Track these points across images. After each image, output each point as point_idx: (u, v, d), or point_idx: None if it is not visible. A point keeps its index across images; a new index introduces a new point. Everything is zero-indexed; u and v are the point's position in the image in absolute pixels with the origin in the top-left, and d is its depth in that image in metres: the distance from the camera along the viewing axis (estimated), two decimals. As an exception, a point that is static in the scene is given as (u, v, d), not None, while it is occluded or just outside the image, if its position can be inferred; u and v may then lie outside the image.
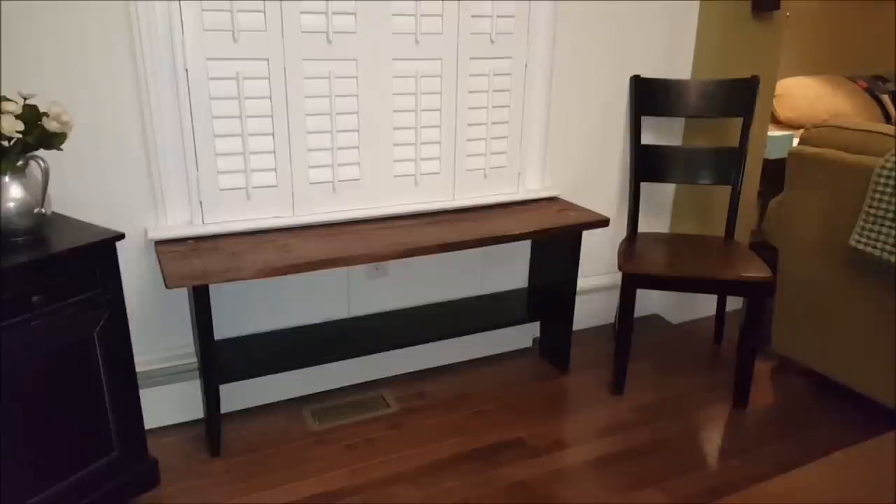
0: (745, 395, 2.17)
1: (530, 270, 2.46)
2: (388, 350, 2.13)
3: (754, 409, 2.18)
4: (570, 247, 2.23)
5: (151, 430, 1.83)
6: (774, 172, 2.64)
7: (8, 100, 1.38)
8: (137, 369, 1.63)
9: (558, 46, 2.24)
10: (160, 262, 1.74)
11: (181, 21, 1.73)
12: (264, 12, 1.80)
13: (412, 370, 2.34)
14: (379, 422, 2.08)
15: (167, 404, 1.99)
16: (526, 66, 2.20)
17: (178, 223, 1.88)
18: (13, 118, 1.36)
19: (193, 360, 2.00)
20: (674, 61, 2.47)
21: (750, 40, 2.46)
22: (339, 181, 2.04)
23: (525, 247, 2.42)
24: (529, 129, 2.29)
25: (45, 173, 1.43)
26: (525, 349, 2.52)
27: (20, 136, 1.38)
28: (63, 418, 1.48)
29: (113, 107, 1.73)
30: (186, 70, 1.76)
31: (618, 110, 2.44)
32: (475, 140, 2.20)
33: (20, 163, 1.43)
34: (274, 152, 1.93)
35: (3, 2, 1.54)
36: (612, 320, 2.71)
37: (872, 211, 1.91)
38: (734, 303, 2.69)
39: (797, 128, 3.21)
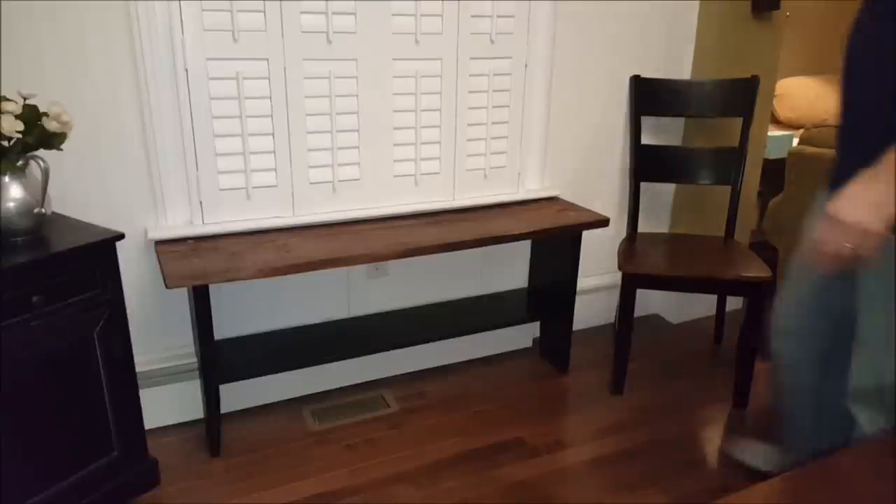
0: (745, 395, 2.17)
1: (530, 270, 2.46)
2: (388, 350, 2.13)
3: (754, 409, 2.18)
4: (570, 247, 2.23)
5: (151, 430, 1.83)
6: (774, 172, 2.64)
7: (8, 100, 1.38)
8: (137, 369, 1.63)
9: (558, 46, 2.24)
10: (160, 262, 1.74)
11: (181, 21, 1.73)
12: (264, 12, 1.80)
13: (412, 370, 2.34)
14: (379, 422, 2.08)
15: (167, 404, 1.98)
16: (526, 66, 2.19)
17: (178, 223, 1.88)
18: (13, 118, 1.36)
19: (193, 360, 2.00)
20: (674, 61, 2.47)
21: (750, 40, 2.46)
22: (339, 181, 2.04)
23: (525, 247, 2.42)
24: (529, 129, 2.29)
25: (45, 173, 1.43)
26: (525, 349, 2.52)
27: (20, 136, 1.38)
28: (63, 418, 1.48)
29: (113, 107, 1.73)
30: (186, 70, 1.76)
31: (618, 110, 2.44)
32: (475, 140, 2.20)
33: (20, 163, 1.43)
34: (274, 152, 1.93)
35: (3, 2, 1.54)
36: (612, 320, 2.71)
37: (872, 211, 1.90)
38: (734, 303, 2.69)
39: (797, 128, 3.21)
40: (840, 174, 1.20)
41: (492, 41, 2.11)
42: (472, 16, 2.06)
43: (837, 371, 1.39)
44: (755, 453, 1.84)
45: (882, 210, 0.97)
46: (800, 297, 1.45)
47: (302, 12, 1.84)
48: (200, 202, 1.89)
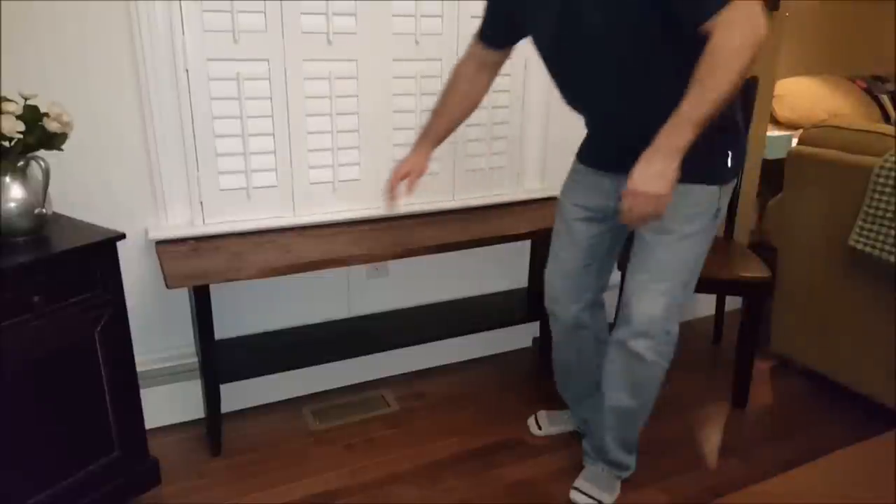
0: (745, 395, 2.18)
1: (530, 270, 2.46)
2: (388, 350, 2.14)
3: (753, 409, 2.18)
4: (569, 247, 2.22)
5: (152, 430, 1.83)
6: (773, 173, 2.64)
7: (8, 100, 1.39)
8: (138, 369, 1.63)
9: (558, 47, 2.23)
10: (161, 263, 1.74)
11: (182, 21, 1.73)
12: (264, 13, 1.80)
13: (412, 370, 2.34)
14: (379, 422, 2.08)
15: (167, 404, 1.99)
16: (525, 66, 2.20)
17: (178, 223, 1.89)
18: (14, 118, 1.37)
19: (194, 359, 2.01)
20: (673, 62, 2.46)
21: (749, 41, 2.46)
22: (340, 181, 2.04)
23: (525, 247, 2.42)
24: (529, 129, 2.29)
25: (46, 173, 1.44)
26: (525, 349, 2.52)
27: (21, 136, 1.38)
28: (64, 418, 1.48)
29: (113, 107, 1.73)
30: (187, 70, 1.76)
31: (617, 110, 2.44)
32: (475, 140, 2.20)
33: (21, 163, 1.43)
34: (274, 153, 1.93)
35: (3, 2, 1.54)
36: (612, 320, 2.71)
37: (871, 211, 1.91)
38: (733, 303, 2.69)
39: (796, 128, 3.21)
40: (595, 151, 1.71)
41: (492, 41, 2.11)
42: (472, 16, 2.06)
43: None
44: (559, 421, 2.04)
45: (668, 181, 1.32)
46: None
47: (302, 13, 1.84)
48: (201, 202, 1.89)
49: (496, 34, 1.65)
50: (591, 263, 1.77)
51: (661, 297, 1.54)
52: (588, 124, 1.71)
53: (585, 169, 1.73)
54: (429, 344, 2.26)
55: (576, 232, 1.73)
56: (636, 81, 1.45)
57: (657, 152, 1.33)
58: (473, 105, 1.74)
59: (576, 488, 1.74)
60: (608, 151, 1.66)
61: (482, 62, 1.69)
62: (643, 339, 1.57)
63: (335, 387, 2.23)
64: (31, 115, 1.41)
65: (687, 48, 1.30)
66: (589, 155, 1.73)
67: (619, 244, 1.79)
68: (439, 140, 1.77)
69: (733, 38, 1.25)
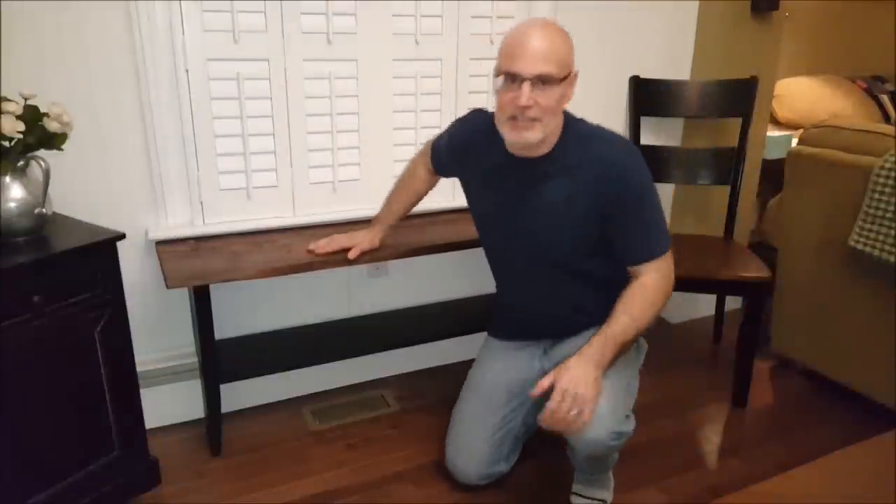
0: (745, 395, 2.18)
1: (530, 270, 2.46)
2: (388, 350, 2.14)
3: (753, 409, 2.18)
4: (569, 247, 2.22)
5: (152, 430, 1.82)
6: (773, 173, 2.64)
7: (9, 100, 1.39)
8: (138, 369, 1.63)
9: (558, 47, 2.23)
10: (161, 263, 1.74)
11: (182, 21, 1.73)
12: (265, 13, 1.80)
13: (412, 370, 2.34)
14: (379, 421, 2.08)
15: (168, 404, 1.99)
16: (526, 66, 2.19)
17: (178, 223, 1.89)
18: (14, 118, 1.37)
19: (194, 359, 2.01)
20: (673, 61, 2.47)
21: (749, 40, 2.46)
22: (340, 181, 2.04)
23: (525, 247, 2.42)
24: (529, 129, 2.28)
25: (46, 173, 1.44)
26: (525, 349, 2.51)
27: (21, 136, 1.39)
28: (64, 418, 1.48)
29: (113, 107, 1.73)
30: (187, 70, 1.76)
31: (617, 110, 2.44)
32: (475, 140, 2.20)
33: (21, 163, 1.44)
34: (274, 152, 1.93)
35: (3, 2, 1.54)
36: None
37: (871, 211, 1.91)
38: (733, 303, 2.69)
39: (796, 128, 3.21)
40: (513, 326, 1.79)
41: (491, 42, 2.11)
42: (472, 16, 2.06)
43: None
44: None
45: (596, 382, 1.40)
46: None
47: (302, 13, 1.84)
48: (201, 202, 1.89)
49: (446, 170, 1.81)
50: (505, 439, 1.74)
51: (608, 423, 1.47)
52: (505, 298, 1.81)
53: (504, 343, 1.79)
54: (429, 344, 2.26)
55: (493, 411, 1.73)
56: (564, 280, 1.61)
57: (588, 361, 1.42)
58: (421, 199, 1.91)
59: (575, 493, 1.73)
60: (528, 324, 1.75)
61: (433, 172, 1.84)
62: (601, 454, 1.57)
63: (335, 387, 2.23)
64: (31, 115, 1.41)
65: (614, 263, 1.54)
66: (507, 330, 1.80)
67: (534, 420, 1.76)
68: (393, 225, 1.90)
69: (665, 282, 1.50)
